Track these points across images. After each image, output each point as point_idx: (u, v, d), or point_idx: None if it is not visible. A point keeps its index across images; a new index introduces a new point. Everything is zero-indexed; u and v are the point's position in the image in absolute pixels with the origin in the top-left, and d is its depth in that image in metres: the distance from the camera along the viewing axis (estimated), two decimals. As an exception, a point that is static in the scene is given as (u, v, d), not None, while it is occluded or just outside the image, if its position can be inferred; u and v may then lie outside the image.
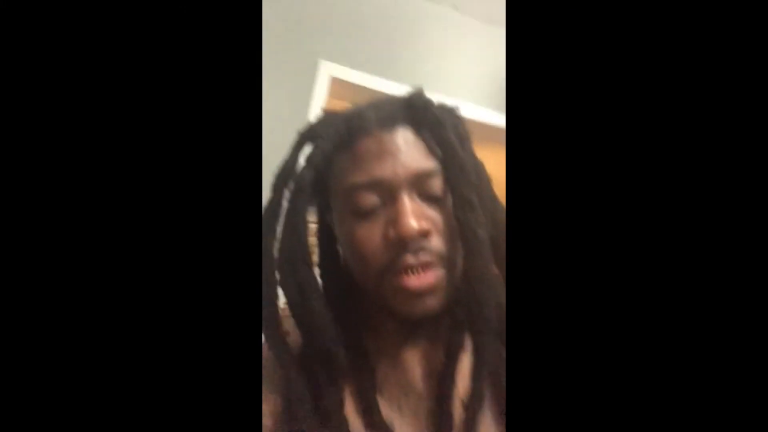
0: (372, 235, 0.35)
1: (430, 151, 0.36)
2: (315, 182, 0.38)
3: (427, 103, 0.38)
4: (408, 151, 0.35)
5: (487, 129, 1.75)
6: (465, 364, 0.37)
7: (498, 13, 1.72)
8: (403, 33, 1.70)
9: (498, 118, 1.79)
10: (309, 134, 0.38)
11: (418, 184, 0.35)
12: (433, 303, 0.35)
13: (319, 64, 1.57)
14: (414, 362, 0.39)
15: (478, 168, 0.39)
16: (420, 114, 0.37)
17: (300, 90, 1.55)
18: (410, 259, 0.34)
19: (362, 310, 0.42)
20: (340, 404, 0.37)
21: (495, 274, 0.36)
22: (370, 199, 0.35)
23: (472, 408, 0.34)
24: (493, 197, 0.39)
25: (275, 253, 0.37)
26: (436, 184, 0.36)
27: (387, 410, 0.37)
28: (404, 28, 1.71)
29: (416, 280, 0.34)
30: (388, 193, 0.35)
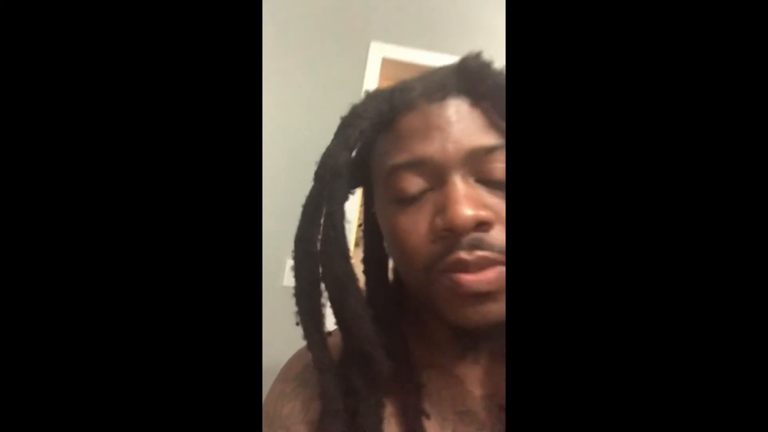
0: (417, 225, 0.30)
1: (491, 124, 0.29)
2: (355, 167, 0.33)
3: (485, 67, 0.31)
4: (461, 125, 0.29)
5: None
6: None
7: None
8: (453, 6, 1.61)
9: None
10: (351, 116, 0.33)
11: (474, 164, 0.29)
12: (494, 309, 0.28)
13: (370, 45, 1.54)
14: (474, 381, 0.33)
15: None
16: (476, 81, 0.30)
17: (352, 74, 1.53)
18: (464, 255, 0.28)
19: (411, 314, 0.36)
20: (379, 422, 0.31)
21: None
22: (415, 183, 0.30)
23: None
24: None
25: (318, 245, 0.33)
26: (499, 165, 0.29)
27: None
28: (457, 1, 1.61)
29: (473, 280, 0.28)
30: (436, 175, 0.29)
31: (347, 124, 0.33)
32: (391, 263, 0.39)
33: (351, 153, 0.33)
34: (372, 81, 1.53)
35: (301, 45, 1.51)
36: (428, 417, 0.32)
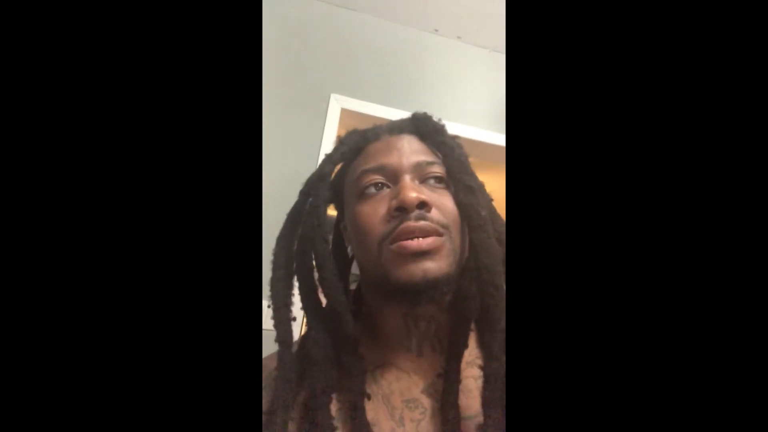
0: (375, 210, 0.39)
1: (430, 150, 0.42)
2: (332, 186, 0.44)
3: (429, 118, 0.44)
4: (410, 148, 0.41)
5: (495, 150, 1.78)
6: (472, 380, 0.38)
7: (499, 42, 1.79)
8: (410, 65, 1.77)
9: (504, 140, 1.81)
10: (336, 144, 0.45)
11: (419, 171, 0.40)
12: (433, 266, 0.36)
13: (330, 97, 1.65)
14: (418, 372, 0.40)
15: (476, 177, 0.43)
16: (422, 126, 0.44)
17: (313, 122, 1.61)
18: (411, 224, 0.36)
19: (368, 320, 0.44)
20: (329, 397, 0.38)
21: (499, 249, 0.38)
22: (376, 179, 0.40)
23: (482, 427, 0.35)
24: (490, 203, 0.43)
25: (296, 245, 0.42)
26: (437, 170, 0.40)
27: (389, 422, 0.37)
28: (411, 60, 1.77)
29: (415, 242, 0.36)
30: (393, 175, 0.40)
31: (334, 149, 0.44)
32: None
33: (334, 167, 0.44)
34: (332, 129, 1.62)
35: (268, 96, 1.58)
36: (368, 397, 0.38)
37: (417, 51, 1.79)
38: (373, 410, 0.38)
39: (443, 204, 0.39)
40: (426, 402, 0.38)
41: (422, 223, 0.36)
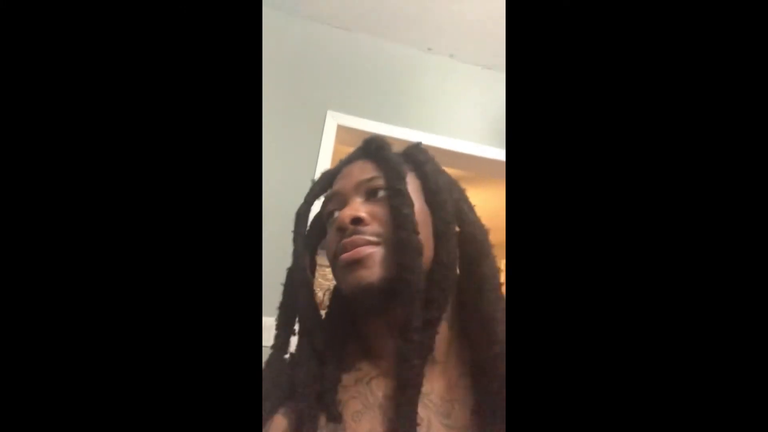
0: (332, 234, 0.44)
1: (376, 169, 0.45)
2: (316, 222, 0.50)
3: (374, 140, 0.48)
4: (359, 171, 0.46)
5: (488, 163, 1.81)
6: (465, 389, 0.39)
7: (491, 59, 1.84)
8: (404, 82, 1.81)
9: (497, 154, 1.85)
10: (312, 186, 0.50)
11: (362, 187, 0.44)
12: (364, 273, 0.40)
13: (326, 114, 1.68)
14: (378, 384, 0.42)
15: (431, 177, 0.46)
16: (369, 148, 0.48)
17: (310, 138, 1.64)
18: (345, 240, 0.41)
19: (361, 334, 0.46)
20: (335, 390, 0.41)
21: (420, 244, 0.40)
22: (330, 207, 0.46)
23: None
24: (460, 199, 0.46)
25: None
26: (377, 184, 0.44)
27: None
28: (405, 77, 1.81)
29: (347, 255, 0.40)
30: (343, 198, 0.45)
31: (311, 190, 0.50)
32: None
33: (312, 203, 0.48)
34: (328, 145, 1.64)
35: (267, 112, 1.61)
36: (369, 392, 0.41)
37: (411, 69, 1.83)
38: (369, 421, 0.38)
39: (381, 214, 0.42)
40: (421, 411, 0.38)
41: (354, 237, 0.41)
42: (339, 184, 0.46)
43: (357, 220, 0.41)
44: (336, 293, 0.48)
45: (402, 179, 0.43)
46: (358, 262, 0.40)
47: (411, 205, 0.41)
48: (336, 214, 0.45)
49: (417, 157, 0.48)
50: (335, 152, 1.62)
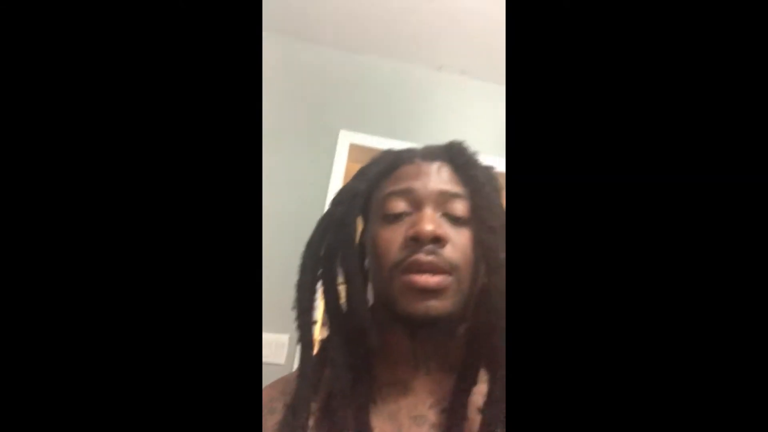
0: (394, 236, 0.39)
1: (459, 181, 0.42)
2: (364, 198, 0.44)
3: (464, 148, 0.44)
4: (440, 176, 0.42)
5: (500, 178, 1.79)
6: (478, 398, 0.37)
7: (502, 75, 1.84)
8: (415, 100, 1.83)
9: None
10: (369, 163, 0.46)
11: (443, 203, 0.40)
12: (437, 305, 0.37)
13: (339, 133, 1.70)
14: (425, 390, 0.40)
15: (502, 214, 0.42)
16: (456, 156, 0.44)
17: (323, 157, 1.66)
18: (422, 257, 0.37)
19: (378, 338, 0.43)
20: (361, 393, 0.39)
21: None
22: (400, 205, 0.41)
23: None
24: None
25: (322, 251, 0.42)
26: (460, 208, 0.40)
27: None
28: (416, 95, 1.83)
29: (423, 278, 0.36)
30: (416, 202, 0.40)
31: (368, 165, 0.45)
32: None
33: (367, 184, 0.44)
34: (340, 164, 1.66)
35: (278, 132, 1.64)
36: (392, 420, 0.39)
37: (422, 86, 1.85)
38: (378, 427, 0.38)
39: (459, 242, 0.39)
40: (433, 417, 0.38)
41: (432, 258, 0.37)
42: (416, 183, 0.41)
43: (437, 239, 0.37)
44: (382, 300, 0.43)
45: (498, 215, 0.39)
46: (433, 292, 0.37)
47: (503, 248, 0.37)
48: (405, 217, 0.40)
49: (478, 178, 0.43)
50: (347, 170, 1.64)
